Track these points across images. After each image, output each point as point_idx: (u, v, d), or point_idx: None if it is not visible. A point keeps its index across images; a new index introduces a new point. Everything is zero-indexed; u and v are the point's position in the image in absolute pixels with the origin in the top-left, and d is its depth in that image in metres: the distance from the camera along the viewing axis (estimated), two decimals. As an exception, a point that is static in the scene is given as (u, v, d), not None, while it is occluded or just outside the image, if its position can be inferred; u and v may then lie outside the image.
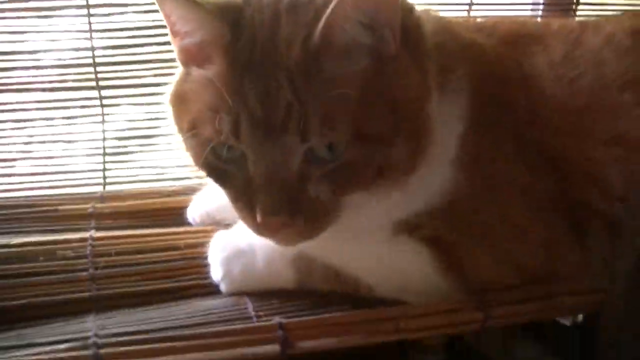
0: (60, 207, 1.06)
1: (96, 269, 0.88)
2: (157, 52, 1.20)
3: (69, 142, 1.25)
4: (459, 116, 0.79)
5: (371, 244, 0.79)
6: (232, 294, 0.84)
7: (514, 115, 0.83)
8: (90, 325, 0.76)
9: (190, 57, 0.74)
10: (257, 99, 0.67)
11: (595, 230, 0.81)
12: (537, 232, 0.80)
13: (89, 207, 1.07)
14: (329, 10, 0.66)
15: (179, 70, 0.77)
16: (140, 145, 1.28)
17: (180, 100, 0.75)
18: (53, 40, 1.19)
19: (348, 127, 0.67)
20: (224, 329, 0.73)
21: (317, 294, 0.81)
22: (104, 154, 1.25)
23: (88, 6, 1.16)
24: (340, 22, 0.67)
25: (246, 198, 0.71)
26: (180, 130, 0.76)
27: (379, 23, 0.68)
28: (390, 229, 0.79)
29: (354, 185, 0.71)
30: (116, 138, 1.27)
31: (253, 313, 0.78)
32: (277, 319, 0.75)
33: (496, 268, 0.79)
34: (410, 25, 0.74)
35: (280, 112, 0.67)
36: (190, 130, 0.73)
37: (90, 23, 1.17)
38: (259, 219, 0.69)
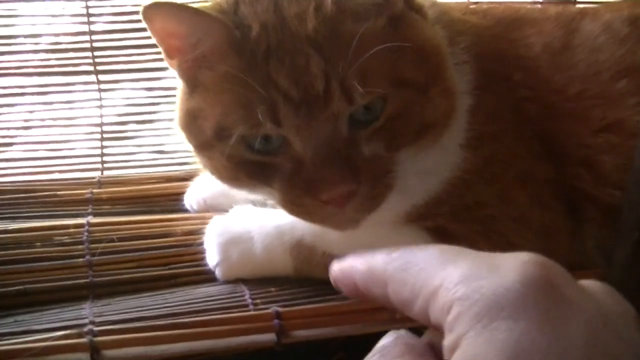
0: (58, 192, 1.06)
1: (93, 255, 0.87)
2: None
3: (67, 126, 1.25)
4: (465, 89, 0.79)
5: (376, 233, 0.78)
6: (227, 281, 0.84)
7: (512, 92, 0.83)
8: (87, 312, 0.76)
9: (198, 66, 0.72)
10: (289, 80, 0.66)
11: (590, 217, 0.82)
12: (536, 217, 0.80)
13: (86, 192, 1.06)
14: None
15: (178, 92, 0.77)
16: (138, 130, 1.28)
17: (191, 118, 0.74)
18: (50, 24, 1.19)
19: (385, 79, 0.67)
20: (220, 317, 0.73)
21: (314, 282, 0.80)
22: (102, 139, 1.25)
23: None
24: None
25: (301, 183, 0.68)
26: (202, 144, 0.74)
27: None
28: (402, 217, 0.79)
29: (402, 139, 0.70)
30: (114, 123, 1.26)
31: (250, 301, 0.78)
32: (273, 308, 0.74)
33: None
34: None
35: (318, 82, 0.66)
36: (217, 136, 0.71)
37: (87, 7, 1.17)
38: (325, 196, 0.67)
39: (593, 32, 0.86)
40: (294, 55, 0.66)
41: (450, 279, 0.37)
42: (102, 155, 1.26)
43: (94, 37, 1.18)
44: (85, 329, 0.70)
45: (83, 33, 1.18)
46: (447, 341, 0.36)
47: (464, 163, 0.77)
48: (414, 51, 0.69)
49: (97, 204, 1.04)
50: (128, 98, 1.23)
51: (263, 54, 0.67)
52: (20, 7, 1.16)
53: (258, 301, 0.78)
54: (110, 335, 0.69)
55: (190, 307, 0.77)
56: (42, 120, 1.23)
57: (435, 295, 0.37)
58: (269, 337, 0.72)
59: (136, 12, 1.16)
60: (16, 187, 1.08)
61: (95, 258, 0.87)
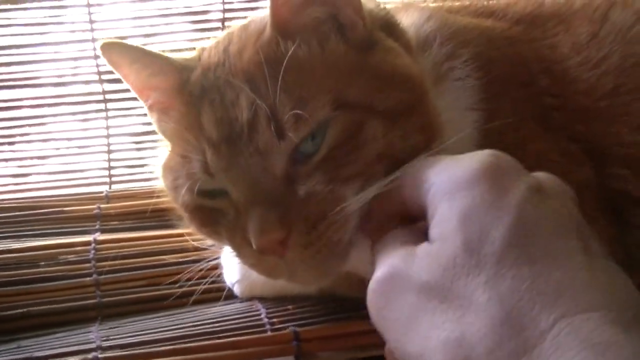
0: (65, 209, 1.03)
1: (100, 274, 0.85)
2: (160, 43, 1.16)
3: (73, 139, 1.22)
4: (470, 106, 0.73)
5: None
6: (241, 299, 0.80)
7: (536, 99, 0.77)
8: (94, 336, 0.73)
9: (161, 115, 0.69)
10: (214, 120, 0.60)
11: (637, 223, 0.76)
12: None
13: (94, 207, 1.03)
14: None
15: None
16: (147, 140, 1.23)
17: (166, 170, 0.69)
18: (54, 33, 1.17)
19: (327, 104, 0.58)
20: (235, 340, 0.69)
21: (333, 298, 0.76)
22: (109, 151, 1.22)
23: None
24: (290, 5, 0.62)
25: (239, 231, 0.61)
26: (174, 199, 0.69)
27: (334, 3, 0.63)
28: None
29: (350, 169, 0.59)
30: (121, 134, 1.23)
31: (266, 320, 0.74)
32: (291, 328, 0.70)
33: None
34: (383, 15, 0.69)
35: (243, 115, 0.59)
36: (172, 185, 0.67)
37: (90, 13, 1.14)
38: (255, 244, 0.58)
39: (625, 21, 0.81)
40: (225, 92, 0.61)
41: (431, 173, 0.49)
42: (110, 168, 1.22)
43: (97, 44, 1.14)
44: (90, 355, 0.66)
45: (86, 41, 1.15)
46: (429, 215, 0.47)
47: None
48: (380, 77, 0.62)
49: (105, 220, 1.01)
50: (135, 108, 1.20)
51: (197, 97, 0.63)
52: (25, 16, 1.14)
53: (275, 320, 0.74)
54: (118, 363, 0.65)
55: (204, 328, 0.73)
56: (47, 133, 1.20)
57: (422, 187, 0.49)
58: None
59: (141, 18, 1.17)
60: (20, 204, 1.05)
61: (103, 277, 0.84)
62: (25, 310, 0.78)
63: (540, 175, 0.48)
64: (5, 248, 0.89)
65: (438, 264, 0.44)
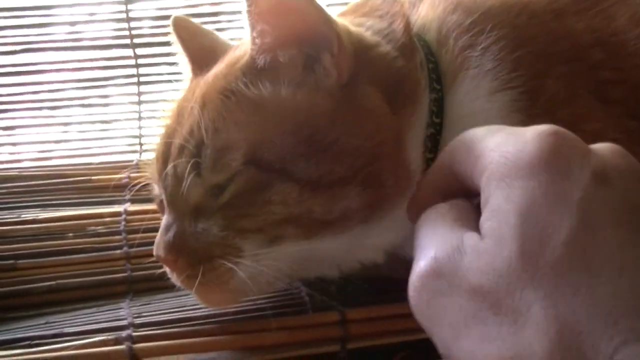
0: (93, 177, 1.01)
1: (131, 246, 0.82)
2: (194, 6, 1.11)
3: (103, 105, 1.19)
4: (496, 89, 0.67)
5: None
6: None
7: (591, 72, 0.71)
8: (125, 313, 0.69)
9: None
10: (166, 128, 0.66)
11: None
12: None
13: (123, 176, 0.99)
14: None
15: None
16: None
17: None
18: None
19: (240, 155, 0.59)
20: (276, 323, 0.64)
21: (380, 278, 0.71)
22: (140, 118, 1.18)
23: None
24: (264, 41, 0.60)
25: None
26: None
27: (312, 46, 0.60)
28: None
29: (250, 220, 0.60)
30: (153, 101, 1.20)
31: (307, 299, 0.69)
32: (336, 310, 0.65)
33: None
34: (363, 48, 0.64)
35: (179, 139, 0.62)
36: None
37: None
38: (154, 251, 0.63)
39: None
40: (187, 106, 0.64)
41: (486, 149, 0.45)
42: (141, 136, 1.19)
43: (130, 6, 1.12)
44: (124, 334, 0.62)
45: (118, 2, 1.12)
46: (482, 199, 0.44)
47: None
48: (317, 144, 0.59)
49: (136, 190, 0.96)
50: (167, 74, 1.15)
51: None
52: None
53: (317, 299, 0.69)
54: (151, 342, 0.61)
55: (241, 306, 0.68)
56: (75, 100, 1.17)
57: (475, 163, 0.45)
58: (332, 344, 0.63)
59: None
60: (47, 172, 1.03)
61: (134, 250, 0.82)
62: (53, 283, 0.76)
63: (605, 151, 0.44)
64: (31, 217, 0.86)
65: (492, 268, 0.40)
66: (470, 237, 0.42)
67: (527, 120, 0.66)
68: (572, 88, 0.70)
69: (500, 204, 0.41)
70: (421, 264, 0.44)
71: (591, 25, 0.74)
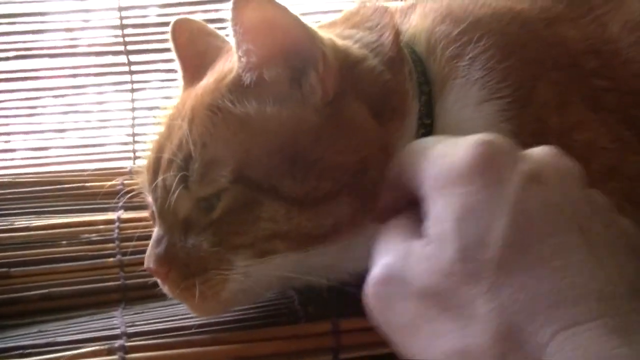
0: (86, 184, 1.00)
1: (124, 254, 0.81)
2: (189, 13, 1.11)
3: (96, 112, 1.19)
4: (484, 98, 0.67)
5: None
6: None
7: (584, 79, 0.71)
8: (118, 322, 0.69)
9: None
10: (156, 141, 0.66)
11: None
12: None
13: (117, 183, 0.99)
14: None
15: None
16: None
17: None
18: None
19: (227, 172, 0.59)
20: (268, 332, 0.65)
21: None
22: (133, 125, 1.18)
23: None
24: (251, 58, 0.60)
25: None
26: None
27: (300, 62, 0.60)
28: None
29: (241, 237, 0.60)
30: (146, 108, 1.19)
31: (299, 307, 0.69)
32: (328, 320, 0.66)
33: None
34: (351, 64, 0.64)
35: (168, 152, 0.63)
36: None
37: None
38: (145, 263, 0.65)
39: None
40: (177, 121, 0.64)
41: (426, 161, 0.47)
42: (134, 142, 1.19)
43: (124, 13, 1.12)
44: (117, 344, 0.62)
45: (113, 9, 1.12)
46: (424, 208, 0.46)
47: None
48: (303, 162, 0.59)
49: (129, 197, 0.96)
50: (161, 80, 1.15)
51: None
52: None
53: (309, 308, 0.69)
54: (144, 352, 0.62)
55: (234, 315, 0.68)
56: (69, 105, 1.17)
57: (416, 176, 0.48)
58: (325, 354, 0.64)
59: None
60: (40, 179, 1.02)
61: (127, 257, 0.81)
62: (46, 291, 0.75)
63: (540, 155, 0.46)
64: (24, 225, 0.86)
65: (437, 269, 0.43)
66: (417, 244, 0.45)
67: (516, 130, 0.66)
68: (564, 96, 0.70)
69: (439, 211, 0.44)
70: (375, 271, 0.46)
71: (585, 33, 0.74)
